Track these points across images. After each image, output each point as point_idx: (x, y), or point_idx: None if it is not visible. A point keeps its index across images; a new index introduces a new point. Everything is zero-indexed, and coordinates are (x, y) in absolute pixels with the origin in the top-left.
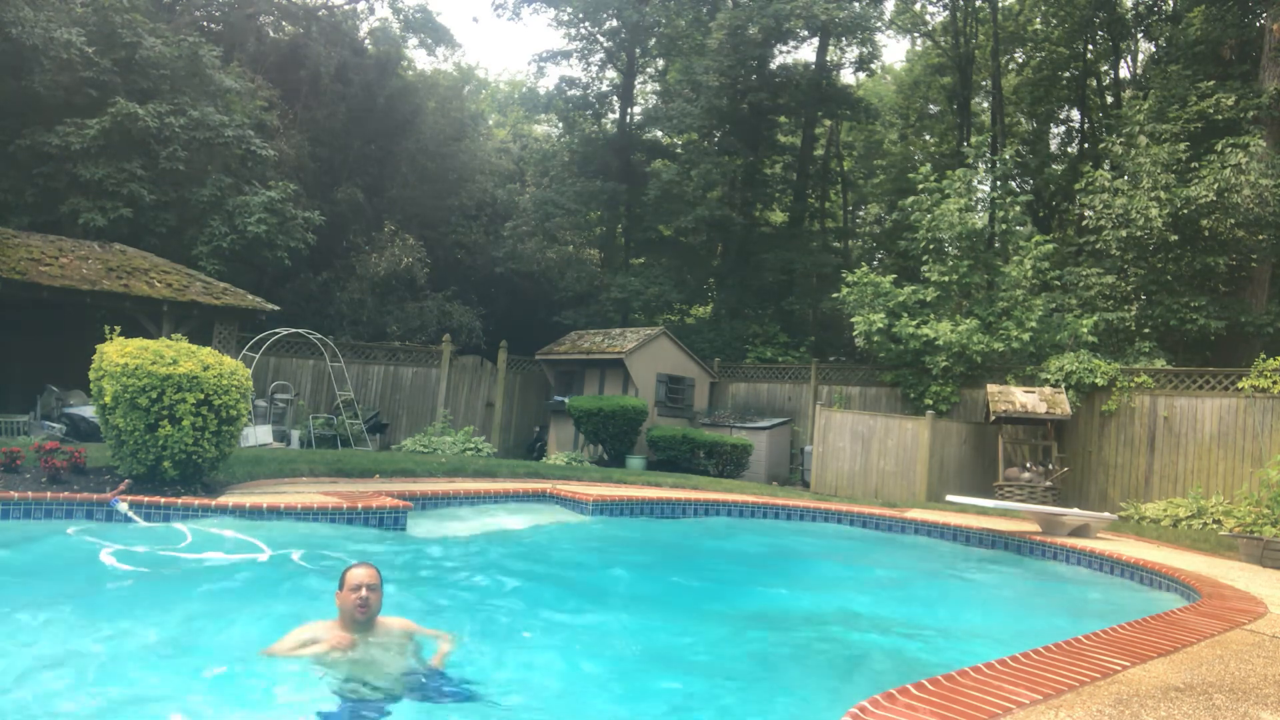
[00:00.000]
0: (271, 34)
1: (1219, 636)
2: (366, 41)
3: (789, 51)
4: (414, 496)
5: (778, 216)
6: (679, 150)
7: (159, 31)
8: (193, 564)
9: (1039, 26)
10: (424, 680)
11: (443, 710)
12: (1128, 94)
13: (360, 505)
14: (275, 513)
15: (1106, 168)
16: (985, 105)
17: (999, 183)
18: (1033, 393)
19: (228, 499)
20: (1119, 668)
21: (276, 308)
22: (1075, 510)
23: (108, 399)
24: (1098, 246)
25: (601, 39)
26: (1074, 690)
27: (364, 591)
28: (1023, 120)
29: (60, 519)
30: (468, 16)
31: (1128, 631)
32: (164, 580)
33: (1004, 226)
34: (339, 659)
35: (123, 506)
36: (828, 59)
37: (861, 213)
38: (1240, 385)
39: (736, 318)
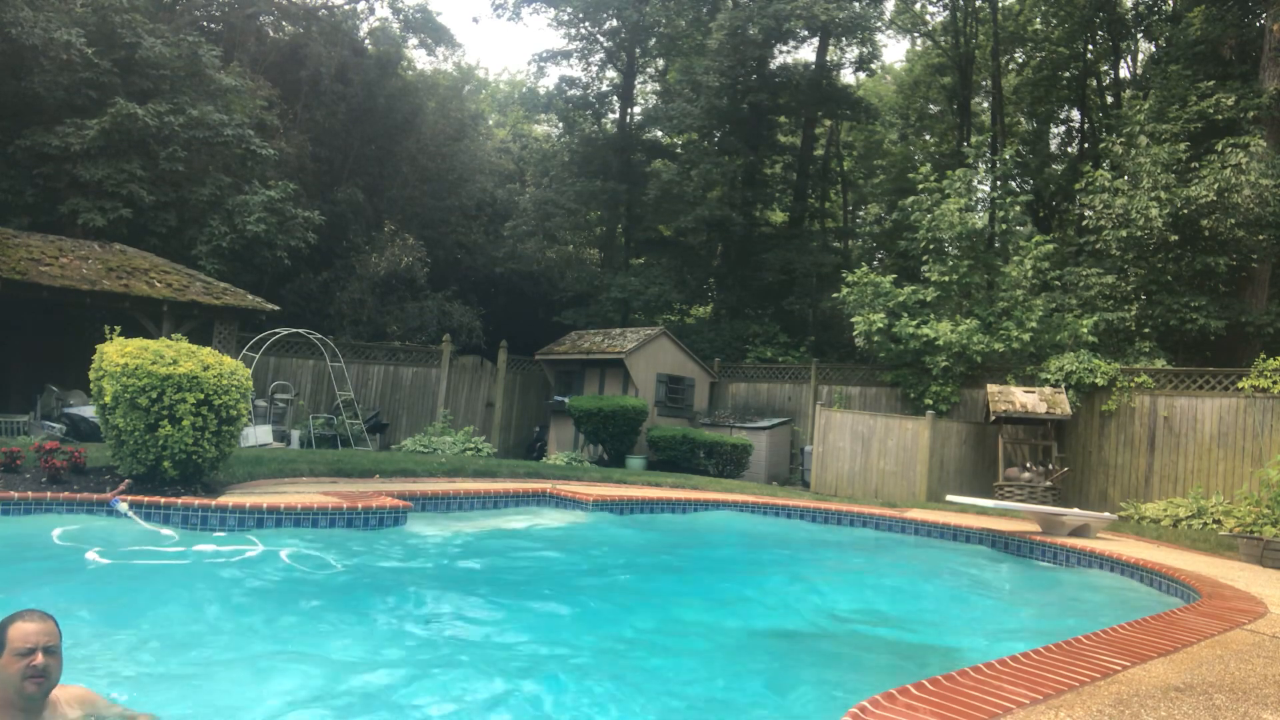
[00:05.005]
0: (271, 34)
1: (1219, 636)
2: (366, 41)
3: (789, 51)
4: (414, 496)
5: (778, 216)
6: (679, 150)
7: (159, 31)
8: (188, 564)
9: (1039, 26)
10: None
11: None
12: (1128, 94)
13: (360, 505)
14: (275, 512)
15: (1106, 168)
16: (985, 105)
17: (999, 183)
18: (1033, 393)
19: (228, 499)
20: (1119, 668)
21: (276, 308)
22: (1075, 510)
23: (108, 399)
24: (1098, 246)
25: (601, 39)
26: (1074, 690)
27: (39, 657)
28: (1023, 120)
29: (60, 519)
30: (468, 16)
31: (1127, 631)
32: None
33: (1004, 226)
34: None
35: (123, 506)
36: (828, 59)
37: (861, 213)
38: (1240, 385)
39: (736, 318)
